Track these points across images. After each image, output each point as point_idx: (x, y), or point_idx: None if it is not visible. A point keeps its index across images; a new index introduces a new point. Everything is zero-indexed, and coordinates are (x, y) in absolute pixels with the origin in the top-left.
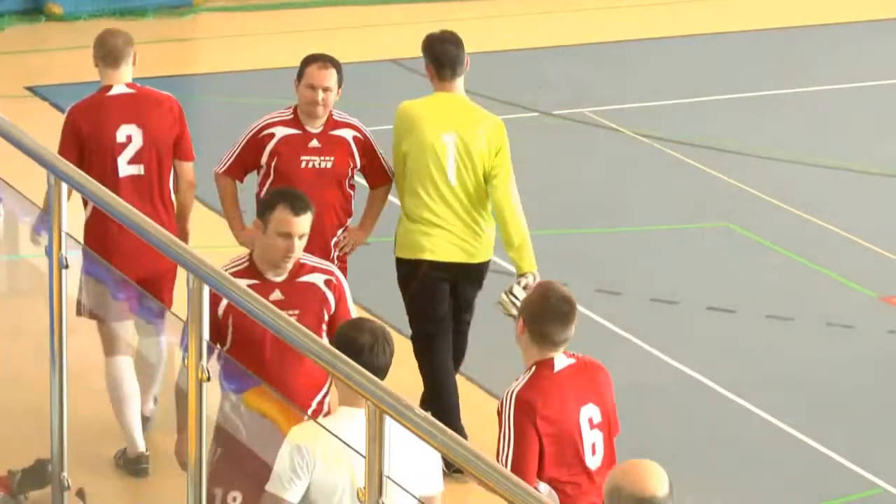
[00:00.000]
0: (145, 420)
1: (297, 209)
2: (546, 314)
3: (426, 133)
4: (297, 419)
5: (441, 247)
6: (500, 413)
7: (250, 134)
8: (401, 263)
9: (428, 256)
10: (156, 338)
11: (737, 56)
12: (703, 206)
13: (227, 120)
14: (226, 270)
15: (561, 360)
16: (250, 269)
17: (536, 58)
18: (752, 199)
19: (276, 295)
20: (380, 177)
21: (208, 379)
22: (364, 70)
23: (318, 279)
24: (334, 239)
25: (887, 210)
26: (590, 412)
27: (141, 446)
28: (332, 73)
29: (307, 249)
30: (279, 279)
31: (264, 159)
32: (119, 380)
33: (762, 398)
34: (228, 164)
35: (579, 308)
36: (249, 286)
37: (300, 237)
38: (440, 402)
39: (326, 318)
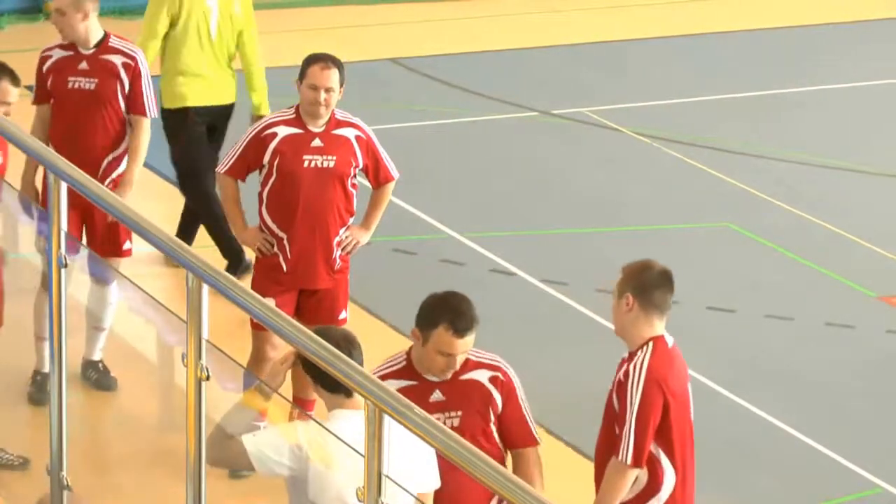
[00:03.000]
0: (89, 364)
1: (462, 330)
2: (654, 280)
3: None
4: (296, 417)
5: (205, 93)
6: (622, 384)
7: (252, 133)
8: (170, 113)
9: (192, 103)
10: (101, 288)
11: (738, 56)
12: (703, 205)
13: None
14: (382, 370)
15: (668, 338)
16: (408, 370)
17: (536, 57)
18: (751, 198)
19: (437, 396)
20: (382, 176)
21: (207, 378)
22: (362, 69)
23: (482, 376)
24: (336, 238)
25: (887, 210)
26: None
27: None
28: (335, 73)
29: (306, 253)
30: (439, 379)
31: (267, 158)
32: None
33: (761, 398)
34: (230, 163)
35: (579, 308)
36: (406, 387)
37: (464, 353)
38: (212, 215)
39: (493, 418)
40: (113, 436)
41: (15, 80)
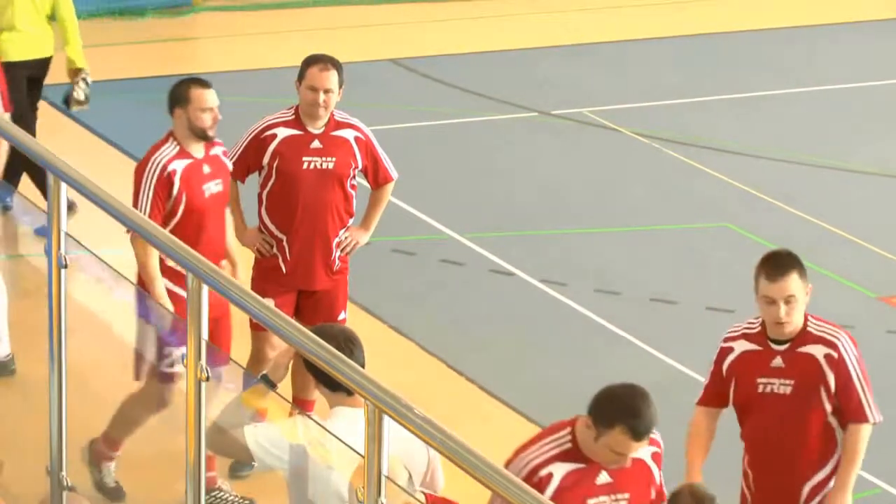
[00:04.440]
0: None
1: (641, 434)
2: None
3: None
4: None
5: (27, 47)
6: (835, 361)
7: (252, 135)
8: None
9: (15, 58)
10: None
11: (737, 56)
12: (702, 205)
13: (226, 119)
14: (546, 450)
15: None
16: (574, 453)
17: (536, 57)
18: (750, 198)
19: (604, 478)
20: (382, 177)
21: (207, 378)
22: (363, 70)
23: (645, 454)
24: (336, 239)
25: (886, 210)
26: None
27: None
28: (334, 74)
29: (305, 254)
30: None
31: (266, 160)
32: None
33: None
34: (230, 165)
35: (579, 308)
36: (575, 471)
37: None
38: (28, 165)
39: (653, 494)
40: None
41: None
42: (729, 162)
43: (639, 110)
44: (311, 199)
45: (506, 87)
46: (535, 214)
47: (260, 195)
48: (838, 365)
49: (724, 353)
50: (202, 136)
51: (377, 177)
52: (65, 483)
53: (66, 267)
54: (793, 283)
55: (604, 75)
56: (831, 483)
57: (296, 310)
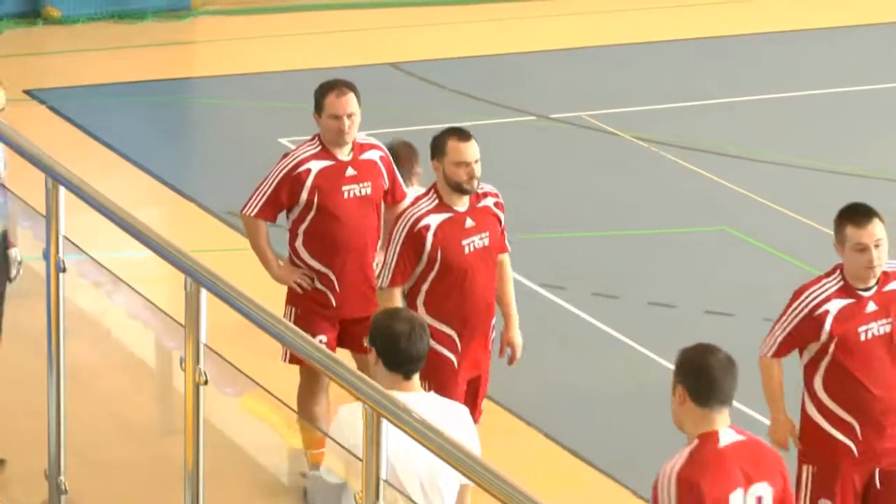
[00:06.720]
0: None
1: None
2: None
3: None
4: (294, 422)
5: None
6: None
7: (283, 173)
8: None
9: None
10: None
11: (735, 59)
12: (701, 209)
13: (225, 123)
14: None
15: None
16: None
17: (533, 61)
18: (748, 202)
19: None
20: (398, 194)
21: (206, 382)
22: (361, 74)
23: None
24: (375, 262)
25: (884, 214)
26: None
27: None
28: (352, 96)
29: (355, 284)
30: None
31: (304, 196)
32: None
33: (761, 402)
34: (260, 205)
35: (577, 312)
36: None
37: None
38: None
39: None
40: (111, 440)
41: None
42: (726, 165)
43: (636, 114)
44: (353, 228)
45: (504, 91)
46: (532, 218)
47: (294, 230)
48: None
49: (819, 318)
50: (460, 189)
51: (395, 194)
52: (62, 487)
53: (64, 271)
54: (878, 227)
55: (601, 79)
56: None
57: (339, 338)
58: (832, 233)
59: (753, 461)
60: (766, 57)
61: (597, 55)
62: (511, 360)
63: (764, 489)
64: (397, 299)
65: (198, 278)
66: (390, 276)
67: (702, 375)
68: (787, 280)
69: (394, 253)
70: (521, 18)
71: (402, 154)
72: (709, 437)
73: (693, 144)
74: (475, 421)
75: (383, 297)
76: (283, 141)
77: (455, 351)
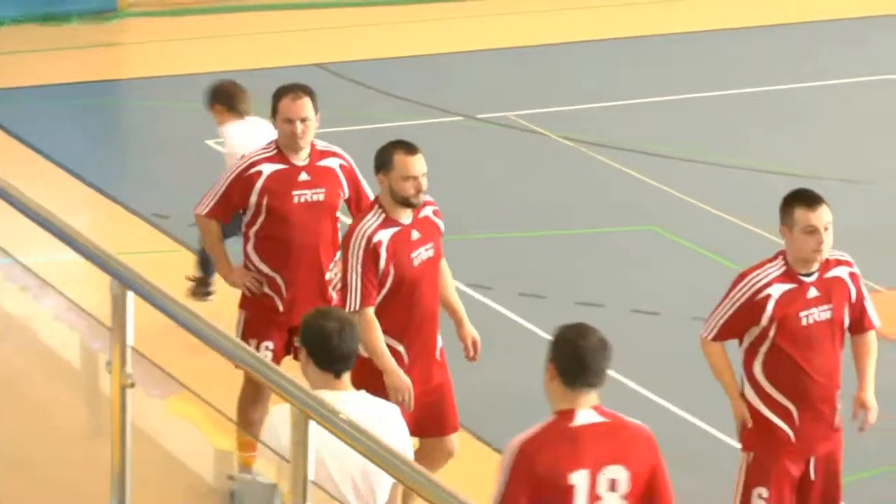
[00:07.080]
0: None
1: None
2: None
3: None
4: (223, 425)
5: None
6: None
7: (235, 174)
8: None
9: None
10: None
11: (660, 58)
12: (629, 209)
13: (154, 125)
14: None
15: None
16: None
17: (461, 62)
18: (676, 201)
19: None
20: (363, 204)
21: (132, 385)
22: (288, 75)
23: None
24: (328, 275)
25: None
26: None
27: None
28: (307, 101)
29: (303, 291)
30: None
31: (254, 199)
32: None
33: (676, 394)
34: (212, 205)
35: (503, 311)
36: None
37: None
38: None
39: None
40: (37, 444)
41: None
42: (655, 165)
43: (564, 114)
44: (304, 234)
45: (431, 91)
46: (459, 218)
47: (246, 233)
48: (855, 279)
49: (761, 302)
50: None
51: (360, 205)
52: None
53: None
54: (827, 212)
55: (528, 79)
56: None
57: (288, 345)
58: (761, 232)
59: (610, 444)
60: (690, 56)
61: (523, 55)
62: (475, 352)
63: (619, 472)
64: (374, 320)
65: (124, 280)
66: (359, 297)
67: (573, 357)
68: (715, 279)
69: (356, 274)
70: (448, 19)
71: (227, 90)
72: (564, 415)
73: (620, 144)
74: (454, 429)
75: (360, 323)
76: (211, 143)
77: (403, 366)
